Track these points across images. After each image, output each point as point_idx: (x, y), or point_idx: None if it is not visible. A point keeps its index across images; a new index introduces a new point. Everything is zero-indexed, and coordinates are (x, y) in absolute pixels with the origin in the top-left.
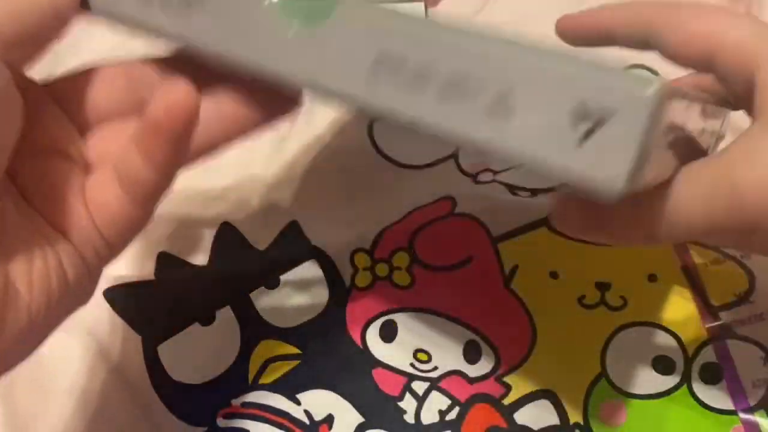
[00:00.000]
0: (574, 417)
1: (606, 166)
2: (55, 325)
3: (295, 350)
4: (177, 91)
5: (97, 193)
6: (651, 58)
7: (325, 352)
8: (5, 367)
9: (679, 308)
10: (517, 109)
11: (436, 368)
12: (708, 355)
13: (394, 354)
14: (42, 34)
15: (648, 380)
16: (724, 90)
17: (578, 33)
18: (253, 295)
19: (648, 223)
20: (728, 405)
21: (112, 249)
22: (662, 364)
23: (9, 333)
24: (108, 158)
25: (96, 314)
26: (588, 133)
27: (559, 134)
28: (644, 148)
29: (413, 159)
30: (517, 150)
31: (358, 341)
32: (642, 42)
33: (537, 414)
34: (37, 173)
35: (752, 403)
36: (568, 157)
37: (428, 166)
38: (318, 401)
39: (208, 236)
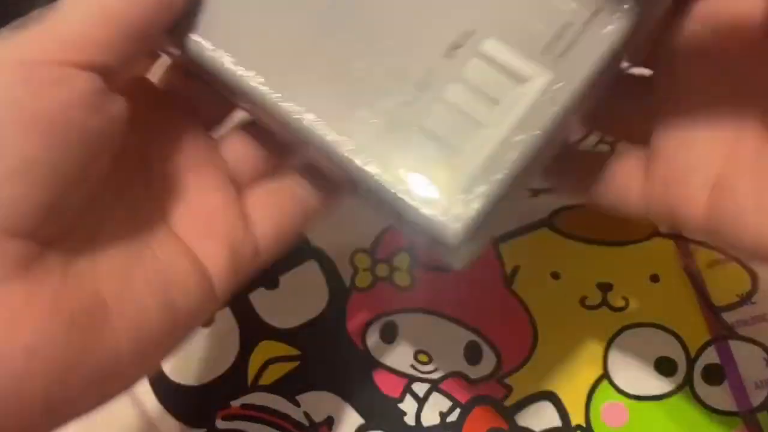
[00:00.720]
0: (576, 418)
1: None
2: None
3: (294, 351)
4: None
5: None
6: None
7: (325, 354)
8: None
9: (682, 309)
10: None
11: (436, 369)
12: (710, 356)
13: (394, 355)
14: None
15: (650, 381)
16: None
17: None
18: (252, 296)
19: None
20: (731, 406)
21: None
22: (664, 366)
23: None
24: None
25: None
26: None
27: None
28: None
29: None
30: None
31: (359, 342)
32: None
33: (538, 415)
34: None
35: (755, 404)
36: None
37: None
38: (318, 403)
39: None
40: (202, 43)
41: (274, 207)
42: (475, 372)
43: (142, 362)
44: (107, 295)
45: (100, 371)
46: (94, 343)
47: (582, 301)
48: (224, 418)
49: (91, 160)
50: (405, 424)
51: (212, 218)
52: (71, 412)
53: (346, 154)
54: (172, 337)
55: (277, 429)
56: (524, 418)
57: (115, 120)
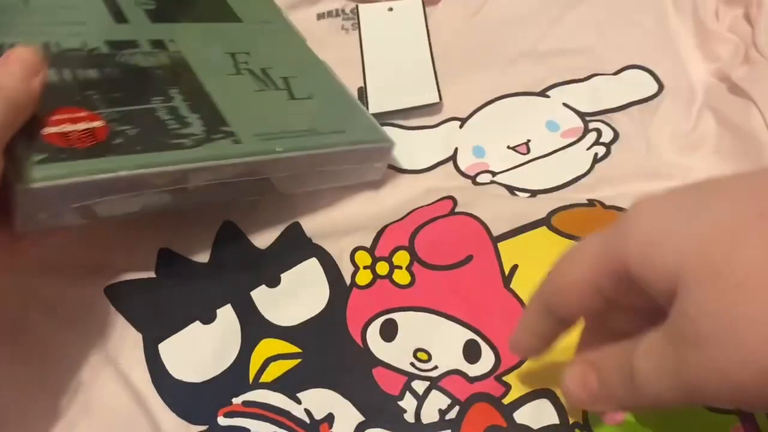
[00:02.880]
0: (574, 416)
1: None
2: None
3: (295, 349)
4: None
5: None
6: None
7: (326, 351)
8: None
9: None
10: None
11: (436, 367)
12: None
13: (394, 353)
14: None
15: None
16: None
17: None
18: (254, 294)
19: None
20: None
21: None
22: None
23: None
24: None
25: (97, 311)
26: None
27: None
28: None
29: (413, 164)
30: None
31: (359, 340)
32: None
33: (537, 413)
34: None
35: None
36: None
37: (428, 170)
38: (318, 400)
39: (210, 234)
40: None
41: None
42: (474, 370)
43: None
44: None
45: None
46: None
47: None
48: (226, 415)
49: None
50: (404, 421)
51: None
52: None
53: None
54: None
55: (278, 426)
56: (523, 416)
57: None
